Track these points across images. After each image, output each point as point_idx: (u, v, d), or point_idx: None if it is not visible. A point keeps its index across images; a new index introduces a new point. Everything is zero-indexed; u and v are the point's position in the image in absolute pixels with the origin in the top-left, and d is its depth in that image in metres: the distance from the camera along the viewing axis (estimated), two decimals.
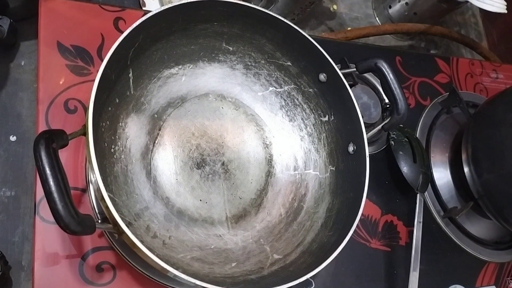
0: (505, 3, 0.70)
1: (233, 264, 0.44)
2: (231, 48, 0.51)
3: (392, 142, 0.61)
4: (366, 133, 0.48)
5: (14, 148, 0.48)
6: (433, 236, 0.62)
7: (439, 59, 0.74)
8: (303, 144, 0.54)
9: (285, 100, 0.54)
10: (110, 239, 0.44)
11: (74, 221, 0.31)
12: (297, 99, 0.53)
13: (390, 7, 0.78)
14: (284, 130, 0.54)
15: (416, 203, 0.59)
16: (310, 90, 0.52)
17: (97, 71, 0.37)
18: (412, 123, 0.68)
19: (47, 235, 0.44)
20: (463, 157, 0.61)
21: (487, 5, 0.69)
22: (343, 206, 0.47)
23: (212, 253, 0.45)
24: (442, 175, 0.66)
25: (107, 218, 0.36)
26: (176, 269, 0.35)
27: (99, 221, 0.37)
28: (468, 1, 0.71)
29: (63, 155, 0.46)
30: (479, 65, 0.77)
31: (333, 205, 0.48)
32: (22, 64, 0.51)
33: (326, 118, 0.52)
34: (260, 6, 0.46)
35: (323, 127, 0.52)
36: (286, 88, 0.53)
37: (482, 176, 0.59)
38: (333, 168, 0.51)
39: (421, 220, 0.60)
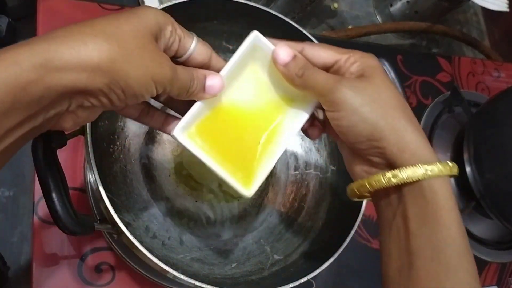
0: (507, 2, 0.69)
1: (233, 265, 0.44)
2: (231, 47, 0.51)
3: None
4: None
5: None
6: None
7: (441, 58, 0.73)
8: (304, 144, 0.53)
9: None
10: (109, 240, 0.44)
11: (72, 222, 0.31)
12: None
13: (391, 5, 0.78)
14: None
15: None
16: None
17: None
18: None
19: (46, 236, 0.43)
20: (465, 156, 0.61)
21: (489, 4, 0.68)
22: (344, 206, 0.47)
23: (212, 254, 0.44)
24: None
25: (106, 218, 0.36)
26: (176, 270, 0.34)
27: (98, 221, 0.37)
28: None
29: (62, 154, 0.45)
30: (481, 64, 0.77)
31: (334, 205, 0.48)
32: None
33: None
34: (261, 5, 0.46)
35: None
36: None
37: (484, 176, 0.58)
38: (334, 168, 0.50)
39: None
